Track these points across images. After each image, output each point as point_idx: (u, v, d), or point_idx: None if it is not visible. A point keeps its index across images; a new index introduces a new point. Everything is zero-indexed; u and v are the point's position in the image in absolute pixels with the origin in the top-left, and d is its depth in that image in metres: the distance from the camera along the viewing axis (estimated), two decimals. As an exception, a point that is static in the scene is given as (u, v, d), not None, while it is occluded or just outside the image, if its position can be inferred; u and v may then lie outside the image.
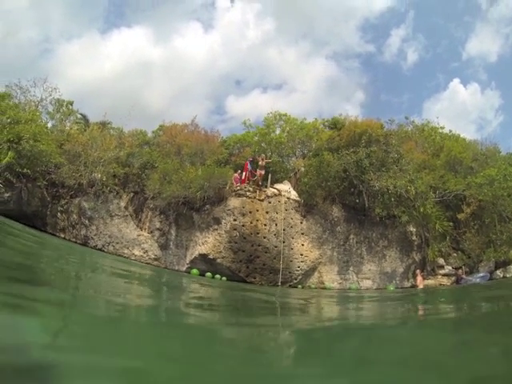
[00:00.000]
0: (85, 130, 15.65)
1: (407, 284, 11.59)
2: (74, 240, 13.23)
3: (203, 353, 2.38)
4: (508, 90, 44.38)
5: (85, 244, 13.01)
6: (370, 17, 50.05)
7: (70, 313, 2.86)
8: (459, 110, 41.20)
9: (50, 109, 17.38)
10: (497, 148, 15.93)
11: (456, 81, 45.62)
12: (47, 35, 44.10)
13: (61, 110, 17.70)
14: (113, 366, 1.71)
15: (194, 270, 10.82)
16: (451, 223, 12.25)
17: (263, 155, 11.90)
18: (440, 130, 14.77)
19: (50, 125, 16.96)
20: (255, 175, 11.22)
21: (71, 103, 18.07)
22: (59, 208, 13.68)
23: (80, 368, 1.70)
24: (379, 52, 50.47)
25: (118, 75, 36.47)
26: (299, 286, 10.48)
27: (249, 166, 11.85)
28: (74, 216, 13.49)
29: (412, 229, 11.85)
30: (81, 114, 17.69)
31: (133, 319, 3.35)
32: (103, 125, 15.92)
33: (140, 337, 2.63)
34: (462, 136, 15.14)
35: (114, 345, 2.07)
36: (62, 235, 13.44)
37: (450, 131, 14.96)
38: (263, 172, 11.27)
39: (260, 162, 11.50)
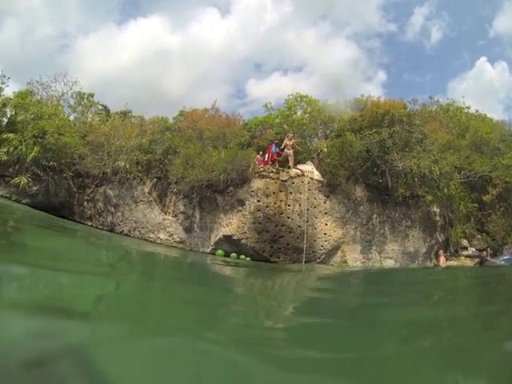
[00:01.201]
0: (106, 121, 16.09)
1: (430, 264, 11.58)
2: (100, 227, 13.81)
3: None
4: None
5: (111, 230, 13.57)
6: None
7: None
8: (486, 89, 39.23)
9: (72, 102, 17.97)
10: (526, 128, 15.38)
11: (483, 59, 43.11)
12: (64, 31, 44.78)
13: (82, 103, 18.24)
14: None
15: (220, 251, 11.16)
16: (476, 204, 12.07)
17: (290, 134, 11.60)
18: (466, 110, 14.37)
19: (72, 117, 17.56)
20: (280, 155, 11.21)
21: (92, 95, 18.57)
22: (85, 197, 14.29)
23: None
24: (401, 31, 48.27)
25: (136, 65, 36.75)
26: (322, 265, 10.67)
27: (273, 148, 11.94)
28: (100, 204, 14.06)
29: (435, 209, 11.75)
30: (101, 105, 18.16)
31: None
32: (124, 114, 16.31)
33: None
34: (488, 116, 14.70)
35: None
36: (90, 223, 14.05)
37: (477, 111, 14.53)
38: (291, 152, 11.14)
39: (287, 141, 11.26)
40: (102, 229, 13.73)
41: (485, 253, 11.69)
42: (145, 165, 14.30)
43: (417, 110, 12.97)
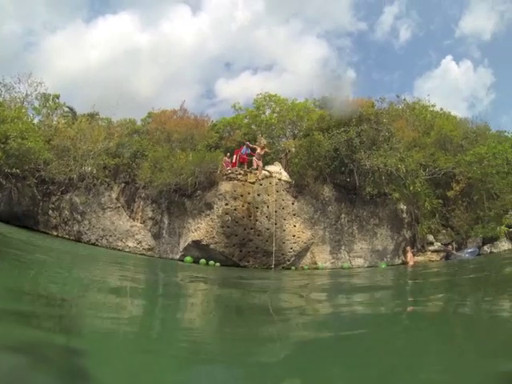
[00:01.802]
0: (73, 123, 15.40)
1: (398, 261, 11.81)
2: (67, 237, 13.19)
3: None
4: (501, 68, 44.36)
5: (78, 240, 12.98)
6: None
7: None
8: (451, 88, 41.06)
9: (36, 104, 17.09)
10: (487, 126, 16.00)
11: (448, 58, 45.27)
12: (30, 28, 42.80)
13: (47, 105, 17.37)
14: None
15: (188, 258, 10.85)
16: (441, 200, 12.43)
17: (263, 142, 11.05)
18: (431, 108, 14.78)
19: (36, 120, 16.70)
20: (252, 156, 10.95)
21: (57, 96, 17.71)
22: (50, 205, 13.62)
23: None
24: (371, 30, 49.99)
25: (105, 64, 35.65)
26: (292, 268, 10.60)
27: (244, 150, 11.71)
28: (66, 212, 13.43)
29: (402, 206, 11.99)
30: (68, 107, 17.39)
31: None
32: (91, 116, 15.67)
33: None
34: (452, 114, 15.19)
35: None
36: (55, 233, 13.40)
37: (441, 109, 14.99)
38: (260, 163, 10.68)
39: (258, 151, 10.85)
40: (69, 238, 13.11)
41: (450, 247, 12.08)
42: (112, 169, 13.77)
43: (384, 108, 13.22)
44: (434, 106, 14.82)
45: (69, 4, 42.96)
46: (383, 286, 6.45)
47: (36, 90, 16.29)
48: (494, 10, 44.90)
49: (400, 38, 49.01)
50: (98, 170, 13.46)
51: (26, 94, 16.42)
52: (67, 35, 40.23)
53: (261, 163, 10.63)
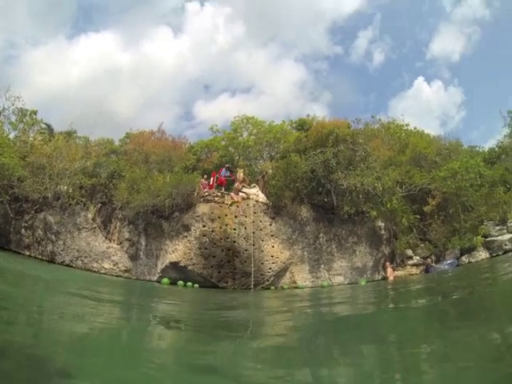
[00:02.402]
0: (49, 141, 15.05)
1: (378, 277, 11.90)
2: (40, 257, 12.65)
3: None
4: (470, 87, 47.04)
5: (52, 260, 12.45)
6: (339, 19, 51.67)
7: None
8: (423, 107, 43.09)
9: (13, 119, 16.64)
10: (459, 142, 16.70)
11: (420, 79, 47.74)
12: (12, 41, 42.03)
13: (24, 120, 16.92)
14: None
15: (165, 280, 10.61)
16: (417, 216, 12.71)
17: (241, 176, 10.78)
18: (405, 127, 15.30)
19: (12, 136, 16.22)
20: (232, 179, 10.84)
21: (35, 112, 17.31)
22: (23, 224, 13.10)
23: None
24: (346, 54, 52.19)
25: (86, 82, 35.30)
26: (272, 288, 10.51)
27: (223, 172, 11.67)
28: (40, 231, 12.93)
29: (380, 224, 12.18)
30: (45, 124, 17.01)
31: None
32: (69, 134, 15.38)
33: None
34: (426, 132, 15.77)
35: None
36: (28, 252, 12.84)
37: (415, 128, 15.54)
38: (239, 198, 10.41)
39: (236, 184, 10.64)
40: (42, 259, 12.57)
41: (429, 260, 12.29)
42: (89, 189, 13.44)
43: (360, 128, 13.57)
44: (408, 125, 15.39)
45: (53, 19, 42.71)
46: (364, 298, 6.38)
47: (13, 105, 15.92)
48: (461, 33, 47.83)
49: (374, 60, 51.48)
50: (73, 190, 13.12)
51: (3, 108, 16.03)
52: (49, 51, 39.91)
53: (239, 197, 10.46)
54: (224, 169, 11.39)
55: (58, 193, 13.08)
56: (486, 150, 18.30)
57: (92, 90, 34.90)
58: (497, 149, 17.93)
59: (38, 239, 12.95)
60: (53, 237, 12.75)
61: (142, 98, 40.71)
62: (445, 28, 48.09)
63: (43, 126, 17.37)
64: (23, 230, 13.17)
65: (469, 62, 46.33)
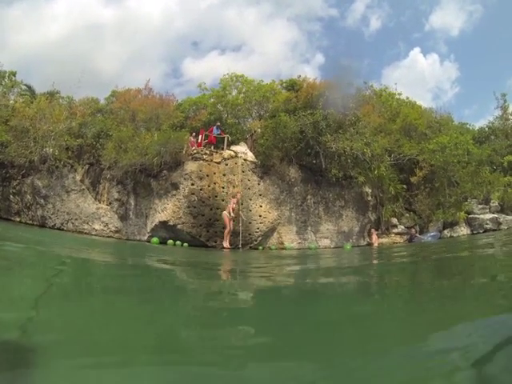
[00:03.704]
0: (31, 103, 14.48)
1: (363, 242, 12.25)
2: (30, 222, 12.56)
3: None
4: (466, 64, 46.79)
5: (43, 225, 12.39)
6: None
7: None
8: (417, 78, 42.79)
9: (-10, 82, 15.87)
10: (450, 117, 16.85)
11: (416, 50, 47.23)
12: (-16, -1, 39.17)
13: (3, 83, 16.16)
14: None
15: (154, 239, 10.64)
16: (404, 185, 12.97)
17: (238, 195, 9.71)
18: (397, 96, 15.25)
19: (-10, 99, 15.52)
20: (222, 136, 10.58)
21: (14, 74, 16.50)
22: (11, 190, 12.89)
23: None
24: (342, 17, 50.79)
25: (66, 39, 33.31)
26: (260, 248, 10.73)
27: (214, 131, 11.51)
28: (28, 196, 12.76)
29: (367, 190, 12.39)
30: (25, 85, 16.29)
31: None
32: (51, 95, 14.77)
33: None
34: (418, 103, 15.75)
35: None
36: (18, 219, 12.74)
37: (407, 98, 15.51)
38: (229, 222, 9.48)
39: (231, 204, 9.48)
40: (33, 224, 12.49)
41: (413, 230, 12.67)
42: (75, 150, 13.16)
43: (351, 93, 13.42)
44: (400, 94, 15.35)
45: (27, -27, 39.68)
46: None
47: (-10, 67, 15.15)
48: (463, 9, 47.03)
49: (370, 26, 50.23)
50: (60, 152, 12.83)
51: (-21, 72, 15.29)
52: (25, 8, 37.27)
53: (229, 223, 9.64)
54: (215, 127, 11.24)
55: (44, 156, 12.78)
56: (476, 128, 18.58)
57: (73, 47, 33.15)
58: (487, 129, 18.19)
59: (28, 204, 12.81)
60: (42, 201, 12.61)
61: (127, 54, 39.00)
62: (447, 2, 47.00)
63: (23, 87, 16.66)
64: (11, 196, 12.98)
65: (467, 39, 45.85)
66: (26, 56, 28.05)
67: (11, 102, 15.41)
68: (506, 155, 15.28)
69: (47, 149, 13.03)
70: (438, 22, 48.57)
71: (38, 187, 12.70)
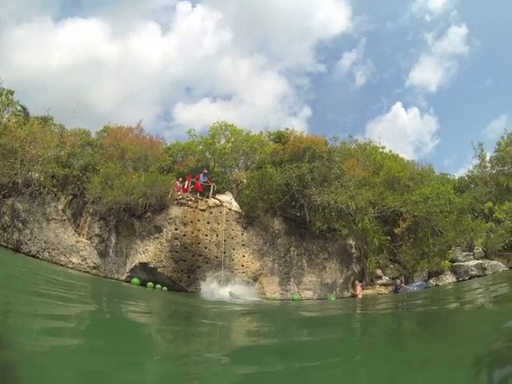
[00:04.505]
0: (24, 124, 14.42)
1: (347, 294, 12.14)
2: (4, 244, 12.02)
3: None
4: (444, 117, 50.09)
5: (17, 249, 11.86)
6: (325, 39, 53.76)
7: None
8: (399, 132, 45.31)
9: (-13, 97, 15.82)
10: (431, 168, 17.51)
11: (398, 104, 50.26)
12: (-5, 14, 40.01)
13: (-1, 99, 16.16)
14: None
15: (135, 280, 10.31)
16: (388, 237, 13.12)
17: None
18: (381, 150, 15.84)
19: (-16, 114, 15.39)
20: (208, 184, 10.66)
21: (11, 93, 16.50)
22: None
23: None
24: (329, 72, 54.27)
25: (66, 69, 34.04)
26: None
27: (201, 178, 11.61)
28: (6, 218, 12.31)
29: (351, 242, 12.49)
30: (21, 106, 16.26)
31: None
32: (45, 120, 14.77)
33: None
34: (400, 156, 16.40)
35: None
36: None
37: (390, 151, 16.13)
38: None
39: None
40: (7, 246, 11.93)
41: (398, 281, 12.66)
42: (61, 179, 12.95)
43: (337, 147, 13.93)
44: (383, 147, 15.98)
45: (41, -2, 40.96)
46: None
47: (-11, 82, 15.14)
48: (440, 66, 50.92)
49: (356, 82, 53.68)
50: (45, 178, 12.62)
51: (-21, 85, 15.25)
52: (32, 30, 38.24)
53: None
54: (202, 174, 11.36)
55: (28, 179, 12.55)
56: (457, 178, 19.37)
57: (72, 78, 33.77)
58: (466, 178, 18.92)
59: (4, 226, 12.34)
60: (20, 225, 12.19)
61: (123, 93, 39.96)
62: (425, 59, 51.10)
63: (19, 107, 16.63)
64: (-12, 214, 12.51)
65: (445, 93, 49.40)
66: (24, 78, 28.35)
67: (4, 119, 15.31)
68: (486, 202, 15.71)
69: (33, 173, 12.81)
70: (417, 78, 52.59)
71: (17, 210, 12.31)
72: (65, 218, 12.47)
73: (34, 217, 12.24)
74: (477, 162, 18.52)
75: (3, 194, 12.63)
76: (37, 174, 12.80)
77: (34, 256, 11.79)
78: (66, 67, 33.80)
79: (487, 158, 18.27)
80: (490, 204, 15.45)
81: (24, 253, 11.85)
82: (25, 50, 33.60)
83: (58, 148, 13.29)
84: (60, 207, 12.73)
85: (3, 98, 16.27)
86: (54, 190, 12.70)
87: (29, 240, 12.10)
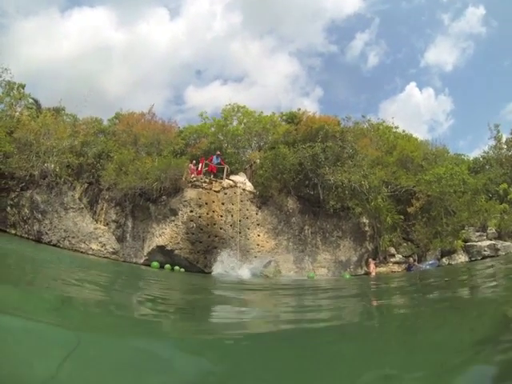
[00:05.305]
0: (37, 117, 14.67)
1: (361, 271, 12.23)
2: (26, 236, 12.41)
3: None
4: (460, 98, 48.49)
5: (38, 240, 12.24)
6: (337, 19, 52.06)
7: None
8: (413, 112, 44.13)
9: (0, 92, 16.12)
10: (445, 149, 17.18)
11: (412, 84, 48.86)
12: (2, 9, 40.12)
13: (11, 94, 16.38)
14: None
15: (155, 263, 10.54)
16: (401, 216, 13.08)
17: None
18: (394, 130, 15.58)
19: (-3, 109, 15.71)
20: (222, 165, 10.79)
21: (23, 86, 16.75)
22: (9, 202, 12.82)
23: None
24: (342, 53, 52.66)
25: (76, 58, 34.05)
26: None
27: (214, 160, 11.70)
28: (26, 210, 12.69)
29: (365, 220, 12.49)
30: (32, 99, 16.50)
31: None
32: (57, 111, 14.98)
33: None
34: (414, 136, 16.13)
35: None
36: (13, 231, 12.59)
37: (404, 131, 15.87)
38: None
39: None
40: (28, 238, 12.34)
41: (411, 259, 12.69)
42: (76, 168, 13.22)
43: (350, 126, 13.74)
44: (397, 127, 15.70)
45: (47, -11, 40.94)
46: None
47: (0, 77, 15.38)
48: (456, 47, 49.06)
49: (368, 63, 52.14)
50: (61, 168, 12.91)
51: (-10, 79, 15.52)
52: (40, 22, 38.28)
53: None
54: (215, 156, 11.43)
55: (44, 171, 12.84)
56: (471, 159, 18.98)
57: (82, 66, 33.85)
58: (481, 159, 18.56)
59: (24, 218, 12.73)
60: (39, 216, 12.55)
61: (133, 78, 39.90)
62: (441, 40, 49.27)
63: (31, 100, 16.88)
64: (9, 207, 12.89)
65: (461, 73, 47.76)
66: (34, 69, 28.63)
67: (17, 113, 15.60)
68: (500, 183, 15.49)
69: (48, 164, 13.10)
70: (432, 58, 50.80)
71: (36, 202, 12.66)
72: (82, 206, 12.78)
73: (52, 207, 12.58)
74: (492, 143, 18.15)
75: (21, 187, 12.98)
76: (52, 165, 13.09)
77: (55, 245, 12.16)
78: (76, 56, 34.07)
79: (503, 140, 17.88)
80: (504, 185, 15.19)
81: (45, 243, 12.23)
82: (34, 42, 33.93)
83: (72, 138, 13.53)
84: (77, 196, 13.04)
85: (15, 92, 16.55)
86: (70, 179, 12.99)
87: (49, 230, 12.46)
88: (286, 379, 1.67)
